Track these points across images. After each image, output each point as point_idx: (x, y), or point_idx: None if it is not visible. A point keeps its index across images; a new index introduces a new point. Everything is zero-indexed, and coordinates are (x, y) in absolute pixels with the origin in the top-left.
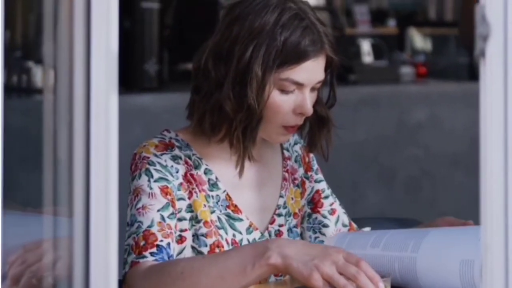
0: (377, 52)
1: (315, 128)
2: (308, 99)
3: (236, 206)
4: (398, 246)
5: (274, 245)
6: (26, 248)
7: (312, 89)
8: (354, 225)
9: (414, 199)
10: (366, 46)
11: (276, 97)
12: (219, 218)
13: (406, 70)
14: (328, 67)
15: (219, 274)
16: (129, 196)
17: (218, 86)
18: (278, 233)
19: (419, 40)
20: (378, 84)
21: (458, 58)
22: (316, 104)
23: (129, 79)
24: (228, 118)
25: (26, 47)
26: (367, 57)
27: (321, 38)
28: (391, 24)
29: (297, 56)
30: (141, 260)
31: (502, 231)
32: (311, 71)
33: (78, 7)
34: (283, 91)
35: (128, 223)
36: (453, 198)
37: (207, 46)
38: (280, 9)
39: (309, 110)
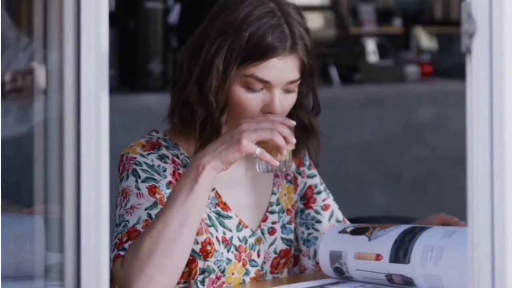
0: (383, 51)
1: (297, 134)
2: (276, 99)
3: (225, 204)
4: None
5: (198, 155)
6: None
7: (287, 90)
8: (348, 222)
9: (420, 199)
10: (371, 45)
11: (241, 94)
12: (209, 216)
13: (412, 70)
14: (303, 71)
15: (178, 211)
16: (117, 197)
17: (187, 81)
18: (272, 230)
19: (424, 39)
20: (384, 84)
21: (464, 57)
22: (299, 110)
23: (134, 79)
24: (195, 112)
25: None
26: (373, 56)
27: (294, 39)
28: (397, 23)
29: (261, 53)
30: (121, 253)
31: (488, 229)
32: (279, 70)
33: (68, 6)
34: (249, 88)
35: (117, 223)
36: (459, 198)
37: (188, 41)
38: (254, 6)
39: (277, 110)
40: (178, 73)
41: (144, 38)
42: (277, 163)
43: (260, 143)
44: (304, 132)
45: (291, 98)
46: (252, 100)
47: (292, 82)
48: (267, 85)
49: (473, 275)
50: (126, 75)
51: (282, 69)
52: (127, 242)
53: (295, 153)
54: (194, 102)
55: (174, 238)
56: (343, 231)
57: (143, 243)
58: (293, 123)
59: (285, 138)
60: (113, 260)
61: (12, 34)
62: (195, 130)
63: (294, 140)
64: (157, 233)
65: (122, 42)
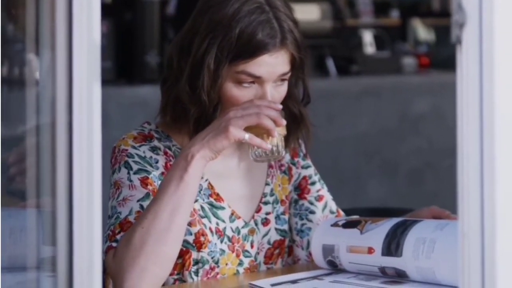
0: (380, 43)
1: (287, 124)
2: (268, 92)
3: (218, 194)
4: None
5: (187, 147)
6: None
7: (281, 80)
8: (342, 212)
9: (416, 191)
10: (368, 36)
11: (233, 91)
12: (202, 207)
13: (409, 61)
14: (293, 63)
15: (168, 201)
16: (110, 189)
17: (178, 78)
18: (265, 221)
19: (422, 31)
20: (381, 75)
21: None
22: (289, 100)
23: (130, 71)
24: (187, 110)
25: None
26: (370, 48)
27: (283, 34)
28: (394, 15)
29: (252, 50)
30: (114, 244)
31: (478, 219)
32: (270, 65)
33: None
34: (241, 84)
35: (109, 215)
36: (456, 190)
37: (175, 38)
38: (242, 1)
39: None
40: (167, 70)
41: (141, 29)
42: (268, 146)
43: (250, 129)
44: (294, 122)
45: (282, 90)
46: (244, 95)
47: (283, 75)
48: (258, 80)
49: (463, 265)
50: (122, 67)
51: (273, 64)
52: (119, 234)
53: (285, 143)
54: (187, 101)
55: (166, 228)
56: (335, 224)
57: (135, 234)
58: (280, 106)
59: (274, 121)
60: (106, 252)
61: None
62: (188, 125)
63: (283, 122)
64: (148, 223)
65: (118, 33)
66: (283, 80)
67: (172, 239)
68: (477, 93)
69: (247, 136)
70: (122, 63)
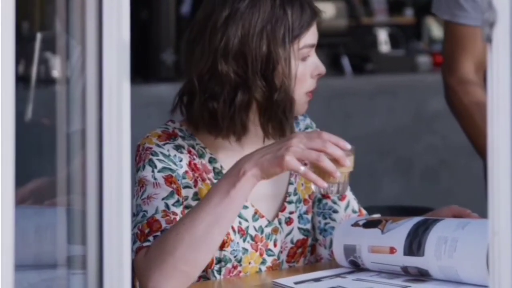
0: (394, 41)
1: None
2: (318, 59)
3: None
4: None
5: (243, 160)
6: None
7: None
8: (364, 211)
9: (431, 189)
10: (383, 35)
11: (301, 67)
12: None
13: (423, 59)
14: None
15: (209, 212)
16: (135, 187)
17: (240, 85)
18: (289, 221)
19: (436, 29)
20: (395, 74)
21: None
22: None
23: (146, 69)
24: (255, 112)
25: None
26: (384, 46)
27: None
28: (408, 13)
29: (306, 23)
30: (144, 244)
31: (509, 217)
32: (315, 31)
33: None
34: (304, 59)
35: (134, 213)
36: (471, 188)
37: (205, 53)
38: None
39: (324, 68)
40: (214, 85)
41: (156, 28)
42: (324, 185)
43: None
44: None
45: None
46: (306, 69)
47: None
48: (312, 50)
49: (494, 264)
50: (138, 65)
51: (315, 30)
52: (150, 234)
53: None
54: (263, 98)
55: (201, 237)
56: (356, 224)
57: (168, 238)
58: (348, 146)
59: (337, 161)
60: (136, 252)
61: None
62: (207, 123)
63: (347, 163)
64: (184, 230)
65: (134, 32)
66: None
67: (206, 249)
68: (508, 92)
69: (302, 169)
70: (138, 61)
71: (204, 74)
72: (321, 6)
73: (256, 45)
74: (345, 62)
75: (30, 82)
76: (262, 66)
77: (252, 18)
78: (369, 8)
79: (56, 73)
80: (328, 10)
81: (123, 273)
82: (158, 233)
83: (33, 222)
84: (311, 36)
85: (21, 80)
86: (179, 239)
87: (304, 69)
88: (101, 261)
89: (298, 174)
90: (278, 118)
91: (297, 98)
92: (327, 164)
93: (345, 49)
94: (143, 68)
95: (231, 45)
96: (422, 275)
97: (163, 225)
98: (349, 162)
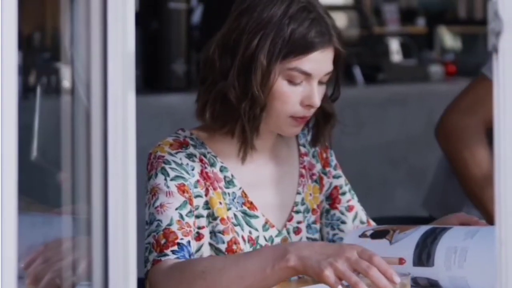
0: (406, 51)
1: (320, 123)
2: (316, 91)
3: (251, 203)
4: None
5: (293, 247)
6: (48, 247)
7: (320, 82)
8: (372, 223)
9: None
10: (395, 44)
11: (283, 87)
12: (235, 215)
13: (435, 69)
14: (336, 60)
15: (239, 274)
16: (146, 195)
17: (222, 76)
18: (297, 230)
19: (448, 38)
20: (407, 83)
21: (488, 56)
22: (323, 99)
23: (157, 80)
24: (230, 108)
25: (55, 49)
26: (396, 55)
27: (329, 31)
28: (420, 23)
29: (305, 47)
30: (162, 258)
31: None
32: (319, 62)
33: (94, 7)
34: (291, 81)
35: (147, 222)
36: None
37: (215, 38)
38: (289, 1)
39: (317, 102)
40: (206, 70)
41: (167, 38)
42: None
43: None
44: (327, 120)
45: (324, 89)
46: (293, 93)
47: (328, 73)
48: (308, 77)
49: (501, 273)
50: (149, 75)
51: (322, 61)
52: (167, 246)
53: (316, 141)
54: (234, 97)
55: (224, 283)
56: (363, 235)
57: (192, 269)
58: (397, 279)
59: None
60: (152, 263)
61: None
62: (225, 126)
63: None
64: (209, 274)
65: (145, 42)
66: (325, 79)
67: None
68: None
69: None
70: (148, 71)
71: (204, 59)
72: (333, 15)
73: (247, 42)
74: (357, 71)
75: (38, 92)
76: (243, 65)
77: (261, 14)
78: (381, 18)
79: (66, 83)
80: (340, 20)
81: (129, 284)
82: (175, 247)
83: (41, 230)
84: (307, 64)
85: (31, 90)
86: (201, 276)
87: (290, 91)
88: (107, 273)
89: None
90: (241, 123)
91: (280, 119)
92: None
93: (357, 58)
94: (153, 78)
95: (229, 34)
96: (432, 285)
97: (179, 236)
98: None
